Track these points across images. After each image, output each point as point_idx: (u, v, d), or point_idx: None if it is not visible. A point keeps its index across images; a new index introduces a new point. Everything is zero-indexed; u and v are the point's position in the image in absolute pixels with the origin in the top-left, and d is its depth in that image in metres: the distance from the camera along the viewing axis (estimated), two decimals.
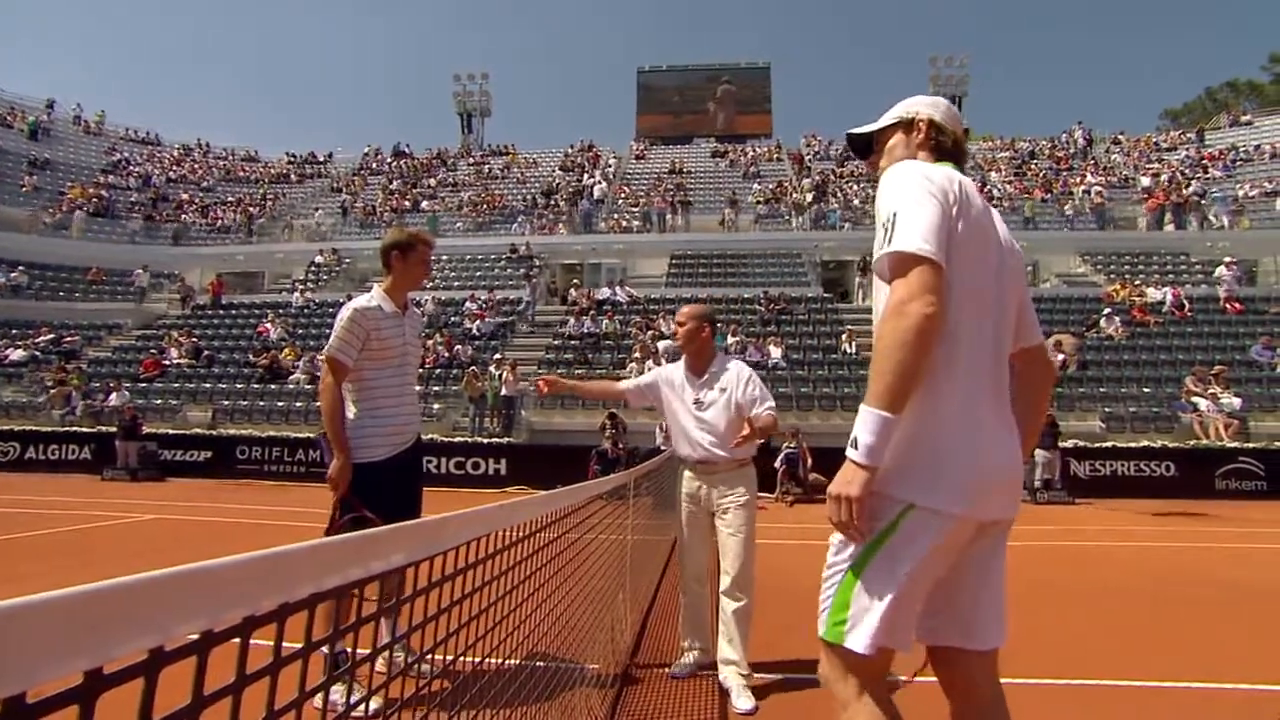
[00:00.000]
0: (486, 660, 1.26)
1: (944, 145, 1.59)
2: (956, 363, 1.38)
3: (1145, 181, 24.88)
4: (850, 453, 1.30)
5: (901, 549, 1.31)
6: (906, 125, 1.63)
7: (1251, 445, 11.95)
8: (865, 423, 1.28)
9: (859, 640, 1.30)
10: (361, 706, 0.80)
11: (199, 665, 0.51)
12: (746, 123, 35.68)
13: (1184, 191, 23.15)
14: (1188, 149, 28.72)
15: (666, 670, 3.02)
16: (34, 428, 14.48)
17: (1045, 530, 7.85)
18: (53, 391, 15.45)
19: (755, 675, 2.92)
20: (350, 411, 2.86)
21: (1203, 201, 22.65)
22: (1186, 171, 25.99)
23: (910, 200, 1.37)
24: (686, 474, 3.17)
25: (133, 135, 34.39)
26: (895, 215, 1.37)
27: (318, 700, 0.63)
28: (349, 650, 0.81)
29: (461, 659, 1.13)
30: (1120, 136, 31.10)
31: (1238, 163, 26.44)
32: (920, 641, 1.42)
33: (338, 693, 2.06)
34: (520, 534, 1.43)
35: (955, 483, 1.32)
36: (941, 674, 1.47)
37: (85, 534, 6.79)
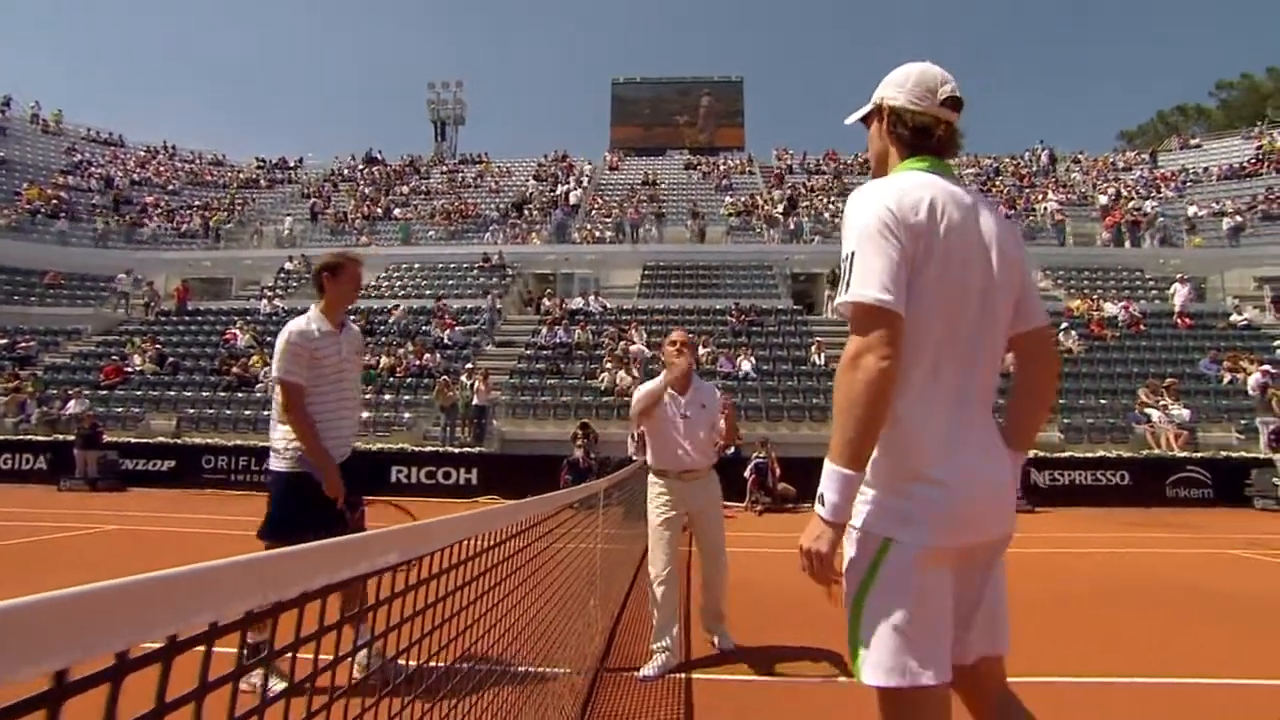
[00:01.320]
0: (459, 663, 1.31)
1: (903, 138, 1.47)
2: (928, 389, 1.33)
3: (1103, 200, 25.82)
4: (818, 508, 1.28)
5: (889, 584, 1.29)
6: (877, 113, 1.52)
7: (1199, 455, 12.46)
8: (829, 479, 1.27)
9: (874, 674, 1.29)
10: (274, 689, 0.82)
11: (163, 670, 0.54)
12: (719, 135, 36.16)
13: (1140, 211, 24.07)
14: (1142, 169, 29.90)
15: (635, 674, 3.10)
16: None
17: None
18: (5, 399, 14.98)
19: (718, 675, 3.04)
20: (283, 426, 3.00)
21: (1160, 219, 23.57)
22: (1141, 190, 27.06)
23: (867, 240, 1.31)
24: (665, 482, 3.50)
25: (94, 135, 33.57)
26: (852, 257, 1.32)
27: (244, 684, 0.67)
28: (267, 640, 0.80)
29: (432, 662, 1.16)
30: (1080, 156, 32.25)
31: (1188, 184, 27.59)
32: None
33: (257, 677, 2.08)
34: (491, 542, 1.51)
35: (931, 513, 1.29)
36: (954, 682, 1.41)
37: (46, 544, 6.62)
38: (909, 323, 1.30)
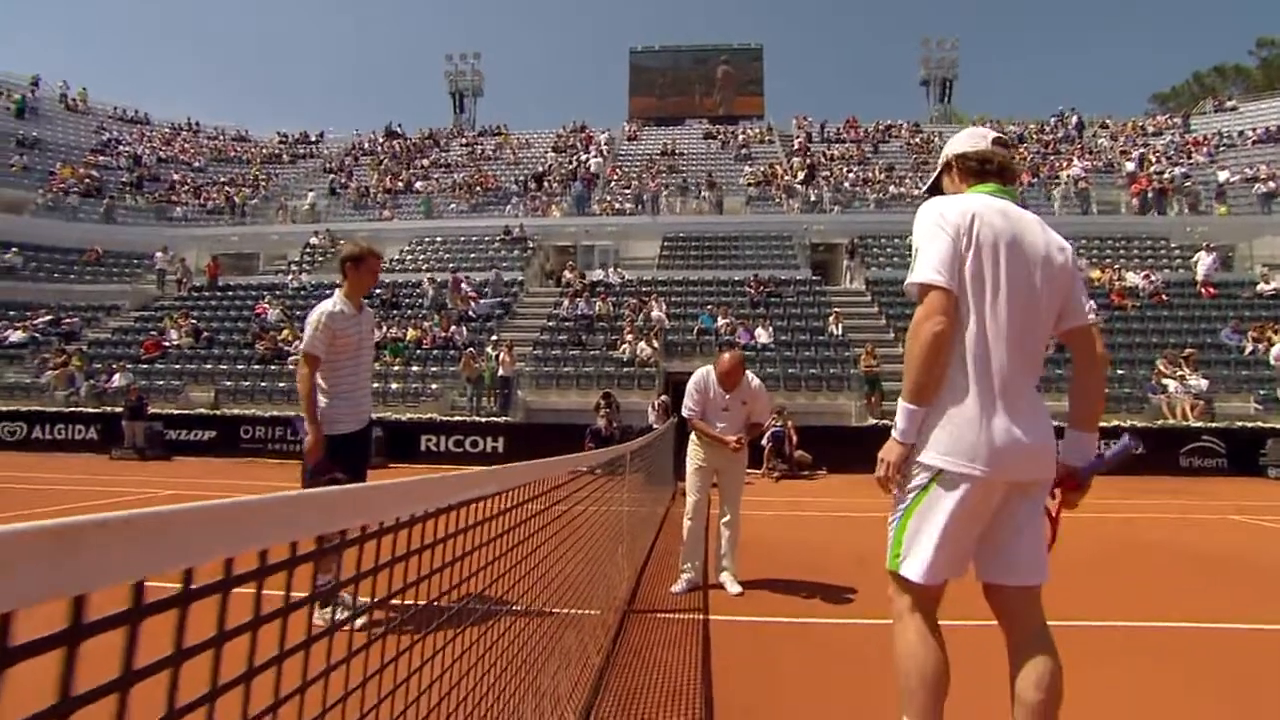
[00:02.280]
0: (508, 603, 1.57)
1: (971, 168, 1.93)
2: (973, 360, 1.70)
3: (1130, 166, 25.31)
4: (893, 432, 1.74)
5: (935, 503, 1.69)
6: (947, 168, 2.01)
7: (1215, 425, 12.53)
8: (900, 412, 1.73)
9: (909, 570, 1.71)
10: (350, 621, 0.92)
11: (286, 576, 0.67)
12: (739, 104, 35.77)
13: (1165, 178, 23.59)
14: (1173, 134, 29.14)
15: (658, 614, 3.47)
16: (39, 408, 14.77)
17: None
18: (55, 372, 15.71)
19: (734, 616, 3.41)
20: (321, 396, 3.47)
21: (1188, 183, 23.09)
22: (1171, 156, 26.43)
23: (927, 237, 1.76)
24: (702, 445, 4.26)
25: (120, 114, 34.12)
26: (917, 250, 1.76)
27: (316, 619, 0.79)
28: (332, 580, 0.91)
29: (482, 604, 1.37)
30: (1108, 120, 31.48)
31: (1221, 148, 26.87)
32: (977, 579, 1.78)
33: (328, 612, 2.39)
34: (538, 491, 1.83)
35: (971, 453, 1.65)
36: (994, 607, 1.78)
37: (120, 508, 7.16)
38: (963, 304, 1.72)
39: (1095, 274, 18.53)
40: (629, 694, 2.48)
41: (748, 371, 4.28)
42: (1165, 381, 13.49)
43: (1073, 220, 22.58)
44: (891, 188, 24.65)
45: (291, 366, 15.98)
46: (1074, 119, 30.83)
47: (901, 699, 1.72)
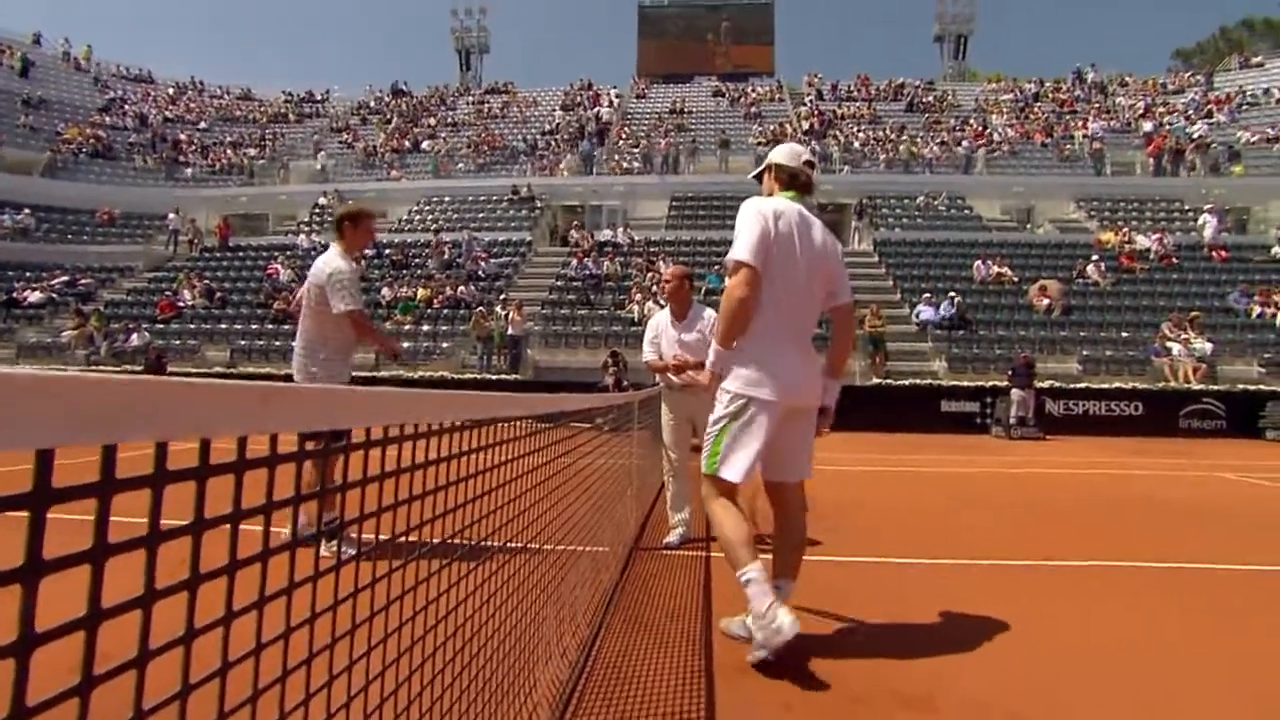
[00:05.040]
0: (529, 543, 1.67)
1: (783, 179, 2.58)
2: (770, 320, 2.34)
3: (1147, 126, 24.84)
4: (708, 364, 2.42)
5: (742, 421, 2.34)
6: (768, 169, 2.63)
7: (1215, 387, 12.65)
8: (713, 352, 2.40)
9: (728, 473, 2.35)
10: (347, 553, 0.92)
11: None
12: (747, 55, 35.02)
13: (1182, 134, 23.16)
14: (1194, 91, 28.45)
15: (663, 552, 3.73)
16: (62, 368, 15.13)
17: (1011, 460, 8.63)
18: (74, 332, 16.04)
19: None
20: (323, 351, 3.56)
21: (1207, 143, 22.67)
22: (1191, 115, 25.88)
23: (744, 226, 2.36)
24: (672, 394, 4.03)
25: (124, 72, 33.82)
26: (738, 234, 2.35)
27: (324, 550, 0.84)
28: (338, 517, 0.96)
29: (503, 541, 1.44)
30: (1127, 78, 30.74)
31: (1244, 107, 26.26)
32: (761, 476, 2.47)
33: (328, 550, 2.57)
34: (545, 426, 2.02)
35: (767, 385, 2.32)
36: (773, 496, 2.52)
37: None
38: (765, 279, 2.31)
39: (1105, 236, 18.43)
40: (636, 610, 2.74)
41: (707, 309, 4.00)
42: (1169, 344, 13.57)
43: (1084, 181, 22.33)
44: (902, 147, 24.35)
45: None
46: (1091, 75, 30.14)
47: (729, 557, 2.29)
